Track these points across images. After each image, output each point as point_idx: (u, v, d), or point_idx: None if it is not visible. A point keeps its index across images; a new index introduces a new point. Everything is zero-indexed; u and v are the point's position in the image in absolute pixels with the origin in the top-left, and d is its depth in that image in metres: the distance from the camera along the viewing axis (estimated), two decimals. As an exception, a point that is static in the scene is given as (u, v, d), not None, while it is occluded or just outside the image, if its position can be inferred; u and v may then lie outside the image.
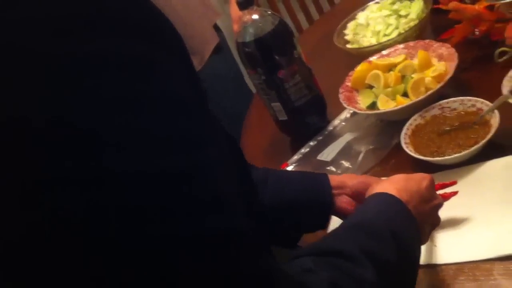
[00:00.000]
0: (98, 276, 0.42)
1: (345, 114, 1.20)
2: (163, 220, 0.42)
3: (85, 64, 0.40)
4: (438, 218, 0.76)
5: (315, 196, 0.83)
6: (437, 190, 0.80)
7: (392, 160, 1.02)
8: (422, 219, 0.69)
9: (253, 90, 1.68)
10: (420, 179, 0.74)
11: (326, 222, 0.86)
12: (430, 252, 0.81)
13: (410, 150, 0.94)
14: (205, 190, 0.44)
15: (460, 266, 0.77)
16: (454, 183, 0.85)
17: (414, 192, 0.70)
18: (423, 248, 0.75)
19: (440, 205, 0.76)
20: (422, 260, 0.77)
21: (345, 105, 1.11)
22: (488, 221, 0.80)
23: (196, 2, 0.46)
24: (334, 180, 0.84)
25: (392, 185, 0.71)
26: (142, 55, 0.42)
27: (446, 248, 0.80)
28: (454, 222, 0.83)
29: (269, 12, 1.12)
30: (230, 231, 0.45)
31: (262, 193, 0.81)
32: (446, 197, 0.81)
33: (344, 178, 0.85)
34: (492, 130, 0.88)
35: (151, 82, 0.43)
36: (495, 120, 0.90)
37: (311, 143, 1.17)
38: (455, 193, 0.83)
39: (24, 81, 0.39)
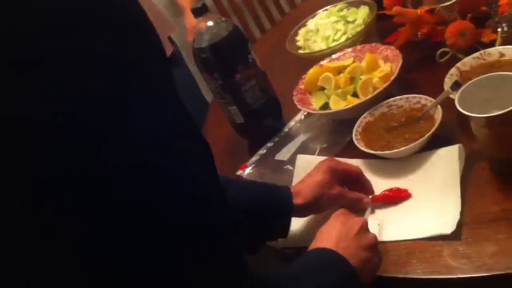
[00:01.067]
0: (93, 266, 0.44)
1: (300, 116, 1.25)
2: (155, 214, 0.45)
3: (77, 62, 0.42)
4: (376, 255, 0.79)
5: (275, 205, 0.88)
6: (392, 196, 0.91)
7: (345, 156, 1.07)
8: (351, 251, 0.75)
9: (208, 99, 1.72)
10: (352, 225, 0.80)
11: (286, 231, 0.90)
12: (374, 231, 0.86)
13: (361, 146, 1.00)
14: (196, 184, 0.48)
15: (411, 250, 0.83)
16: (406, 192, 0.92)
17: (349, 239, 0.77)
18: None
19: (375, 244, 0.80)
20: None
21: (299, 107, 1.16)
22: (429, 204, 0.87)
23: (152, 17, 0.49)
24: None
25: (328, 238, 0.78)
26: (131, 53, 0.45)
27: (389, 227, 0.87)
28: (398, 205, 0.90)
29: (223, 19, 1.16)
30: (222, 221, 0.49)
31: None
32: (400, 198, 0.91)
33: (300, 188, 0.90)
34: (436, 124, 0.95)
35: (139, 79, 0.45)
36: (438, 114, 0.96)
37: (268, 144, 1.22)
38: (408, 194, 0.91)
39: (18, 81, 0.40)
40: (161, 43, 0.50)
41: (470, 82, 0.86)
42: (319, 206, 0.90)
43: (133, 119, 0.44)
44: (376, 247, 0.80)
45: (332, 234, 0.78)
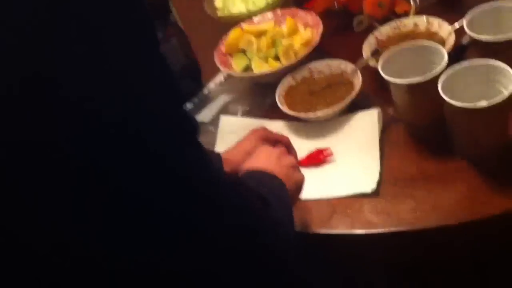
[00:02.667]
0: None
1: (220, 78, 1.25)
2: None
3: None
4: (289, 158, 0.83)
5: None
6: (316, 157, 0.95)
7: (269, 118, 1.09)
8: (275, 169, 0.78)
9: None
10: (257, 152, 0.85)
11: None
12: None
13: (285, 109, 1.02)
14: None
15: (333, 207, 0.87)
16: (327, 150, 0.96)
17: (255, 161, 0.82)
18: None
19: (282, 151, 0.84)
20: None
21: (221, 69, 1.16)
22: (350, 164, 0.92)
23: None
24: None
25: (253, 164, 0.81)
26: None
27: (312, 186, 0.90)
28: (322, 165, 0.95)
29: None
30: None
31: None
32: (323, 159, 0.95)
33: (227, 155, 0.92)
34: (356, 89, 0.99)
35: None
36: (358, 80, 1.01)
37: (188, 106, 1.20)
38: (330, 154, 0.95)
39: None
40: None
41: (391, 50, 0.91)
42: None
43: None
44: (297, 166, 0.84)
45: (257, 162, 0.81)
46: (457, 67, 0.81)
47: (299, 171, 0.83)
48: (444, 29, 1.02)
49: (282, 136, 0.95)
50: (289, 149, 0.95)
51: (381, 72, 0.88)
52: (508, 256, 0.82)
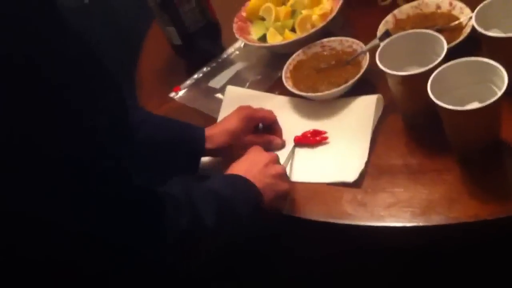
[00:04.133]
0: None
1: (240, 43, 1.24)
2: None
3: None
4: (282, 183, 0.84)
5: (187, 142, 0.91)
6: (311, 137, 0.94)
7: (276, 91, 1.08)
8: (258, 177, 0.81)
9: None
10: (247, 155, 0.86)
11: (196, 167, 0.93)
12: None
13: (288, 85, 1.01)
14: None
15: (314, 192, 0.87)
16: (324, 133, 0.94)
17: (242, 165, 0.84)
18: None
19: (281, 174, 0.84)
20: None
21: (237, 36, 1.15)
22: (338, 150, 0.91)
23: None
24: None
25: (230, 172, 0.83)
26: None
27: (298, 169, 0.91)
28: (312, 148, 0.94)
29: None
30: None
31: (140, 132, 0.87)
32: (317, 141, 0.94)
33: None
34: (361, 71, 0.96)
35: None
36: (365, 61, 0.97)
37: (204, 69, 1.21)
38: (325, 138, 0.93)
39: None
40: None
41: (393, 36, 0.87)
42: (229, 154, 0.92)
43: None
44: (283, 177, 0.85)
45: (242, 166, 0.83)
46: (450, 64, 0.77)
47: (285, 180, 0.84)
48: (465, 15, 0.96)
49: (268, 113, 0.96)
50: (275, 126, 0.95)
51: (377, 60, 0.85)
52: (472, 263, 0.80)
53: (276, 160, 0.87)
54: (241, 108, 0.93)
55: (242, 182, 0.79)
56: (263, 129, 0.97)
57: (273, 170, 0.83)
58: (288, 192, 0.85)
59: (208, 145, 0.90)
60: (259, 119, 0.94)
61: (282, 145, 0.95)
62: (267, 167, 0.83)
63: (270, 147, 0.94)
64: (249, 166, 0.83)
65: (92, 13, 1.42)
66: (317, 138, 0.94)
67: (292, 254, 0.91)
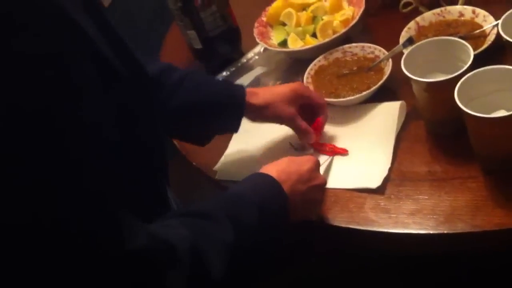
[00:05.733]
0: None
1: (259, 48, 1.24)
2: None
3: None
4: (318, 194, 0.81)
5: (228, 98, 0.89)
6: (328, 150, 0.92)
7: (296, 96, 1.08)
8: (297, 197, 0.75)
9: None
10: (303, 162, 0.80)
11: (237, 125, 0.91)
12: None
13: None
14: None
15: (337, 198, 0.86)
16: (345, 151, 0.92)
17: (292, 173, 0.76)
18: None
19: (320, 185, 0.81)
20: None
21: (257, 40, 1.15)
22: (361, 156, 0.90)
23: None
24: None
25: (275, 167, 0.77)
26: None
27: (323, 174, 0.89)
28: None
29: None
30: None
31: (176, 94, 0.87)
32: (337, 153, 0.92)
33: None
34: (384, 78, 0.96)
35: None
36: (388, 68, 0.97)
37: (224, 74, 1.21)
38: (344, 151, 0.92)
39: None
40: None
41: (418, 43, 0.87)
42: (266, 115, 0.90)
43: None
44: (320, 189, 0.81)
45: (279, 167, 0.78)
46: (477, 71, 0.77)
47: (320, 194, 0.81)
48: (489, 23, 0.96)
49: (318, 96, 0.94)
50: (323, 109, 0.93)
51: (402, 66, 0.84)
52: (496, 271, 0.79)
53: (317, 167, 0.82)
54: (296, 83, 0.93)
55: (271, 193, 0.73)
56: (309, 114, 0.94)
57: (312, 179, 0.78)
58: (320, 203, 0.83)
59: (250, 99, 0.88)
60: (308, 97, 0.92)
61: (313, 143, 0.93)
62: (306, 173, 0.78)
63: (303, 138, 0.92)
64: (286, 168, 0.77)
65: (112, 15, 1.42)
66: (336, 152, 0.93)
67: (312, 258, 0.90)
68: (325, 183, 0.82)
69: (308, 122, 0.93)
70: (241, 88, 0.91)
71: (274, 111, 0.90)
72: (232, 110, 0.89)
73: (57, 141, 0.46)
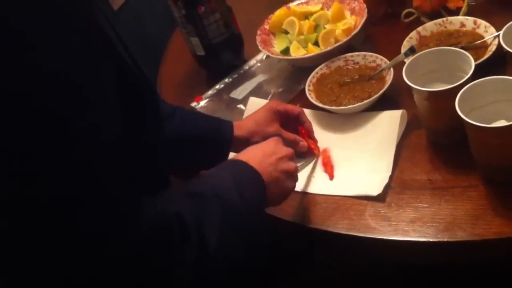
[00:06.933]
0: None
1: (262, 55, 1.25)
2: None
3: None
4: (290, 164, 0.82)
5: (215, 134, 0.93)
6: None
7: (298, 103, 1.09)
8: (268, 168, 0.78)
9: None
10: (264, 142, 0.84)
11: (224, 159, 0.93)
12: (308, 182, 0.92)
13: (312, 98, 1.02)
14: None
15: (338, 205, 0.87)
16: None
17: (255, 152, 0.81)
18: (303, 176, 0.91)
19: (288, 156, 0.82)
20: (300, 188, 0.90)
21: (260, 48, 1.16)
22: (362, 163, 0.91)
23: None
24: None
25: (238, 156, 0.81)
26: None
27: (322, 181, 0.91)
28: (334, 161, 0.94)
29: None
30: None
31: (168, 126, 0.87)
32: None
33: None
34: (385, 86, 0.97)
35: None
36: (389, 76, 0.98)
37: (226, 80, 1.22)
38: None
39: None
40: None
41: (420, 53, 0.88)
42: (256, 141, 0.91)
43: None
44: (293, 175, 0.83)
45: (256, 153, 0.81)
46: (479, 81, 0.78)
47: (293, 180, 0.83)
48: (490, 33, 0.96)
49: (293, 106, 0.98)
50: (302, 117, 0.97)
51: (404, 75, 0.85)
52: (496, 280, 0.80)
53: (292, 157, 0.84)
54: (270, 102, 0.98)
55: (249, 175, 0.76)
56: (293, 127, 0.98)
57: (285, 166, 0.80)
58: (291, 191, 0.83)
59: (237, 132, 0.94)
60: (284, 110, 0.96)
61: (308, 151, 0.95)
62: (280, 161, 0.80)
63: (295, 148, 0.92)
64: (263, 155, 0.80)
65: (121, 20, 1.43)
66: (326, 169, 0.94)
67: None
68: (296, 169, 0.84)
69: (296, 133, 0.97)
70: (228, 122, 0.96)
71: (262, 136, 0.94)
72: (219, 144, 0.94)
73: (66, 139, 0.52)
